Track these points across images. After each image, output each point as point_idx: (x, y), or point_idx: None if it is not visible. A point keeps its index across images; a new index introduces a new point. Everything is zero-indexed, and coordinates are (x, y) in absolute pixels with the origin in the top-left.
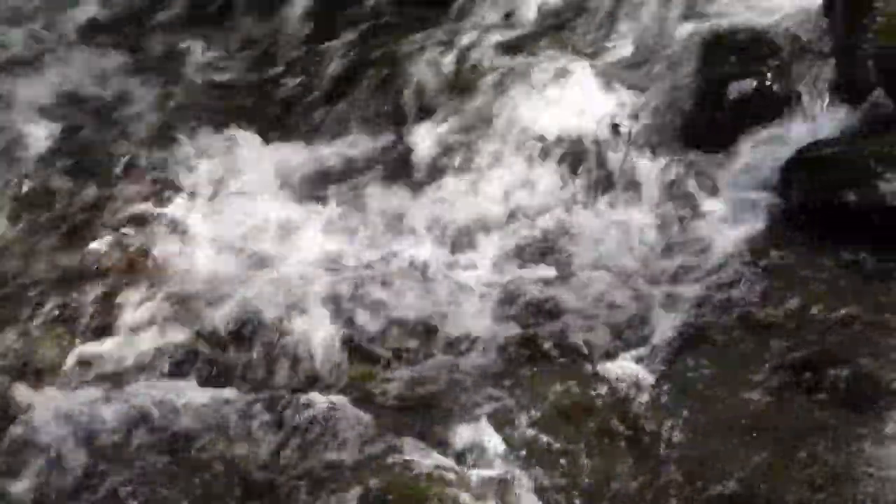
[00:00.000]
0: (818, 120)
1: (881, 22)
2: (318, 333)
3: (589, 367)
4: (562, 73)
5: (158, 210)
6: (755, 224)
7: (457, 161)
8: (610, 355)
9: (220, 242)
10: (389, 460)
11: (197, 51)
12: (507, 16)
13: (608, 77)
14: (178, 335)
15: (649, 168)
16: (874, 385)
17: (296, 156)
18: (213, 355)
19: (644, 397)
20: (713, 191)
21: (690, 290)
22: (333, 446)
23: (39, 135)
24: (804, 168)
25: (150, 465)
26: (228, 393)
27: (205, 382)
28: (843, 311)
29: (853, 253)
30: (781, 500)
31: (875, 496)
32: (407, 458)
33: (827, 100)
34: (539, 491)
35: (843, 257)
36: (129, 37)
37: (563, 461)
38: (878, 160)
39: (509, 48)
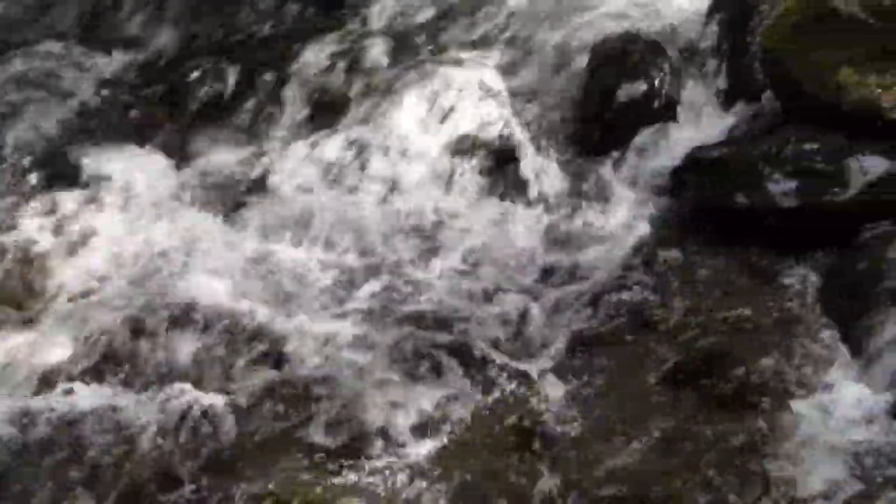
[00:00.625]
0: (708, 122)
1: (767, 24)
2: (209, 336)
3: (480, 368)
4: (454, 79)
5: (52, 221)
6: (647, 227)
7: (349, 166)
8: (501, 356)
9: (115, 252)
10: (284, 466)
11: (89, 60)
12: (398, 23)
13: (499, 81)
14: (69, 341)
15: (542, 172)
16: (764, 385)
17: (188, 166)
18: (106, 359)
19: (536, 398)
20: (605, 194)
21: (583, 292)
22: (227, 448)
23: None
24: (695, 171)
25: (46, 467)
26: (120, 394)
27: (96, 383)
28: (734, 312)
29: (744, 254)
30: (671, 499)
31: (763, 495)
32: (301, 462)
33: (716, 102)
34: (430, 494)
35: (734, 259)
36: (16, 45)
37: (453, 463)
38: (767, 162)
39: (400, 54)
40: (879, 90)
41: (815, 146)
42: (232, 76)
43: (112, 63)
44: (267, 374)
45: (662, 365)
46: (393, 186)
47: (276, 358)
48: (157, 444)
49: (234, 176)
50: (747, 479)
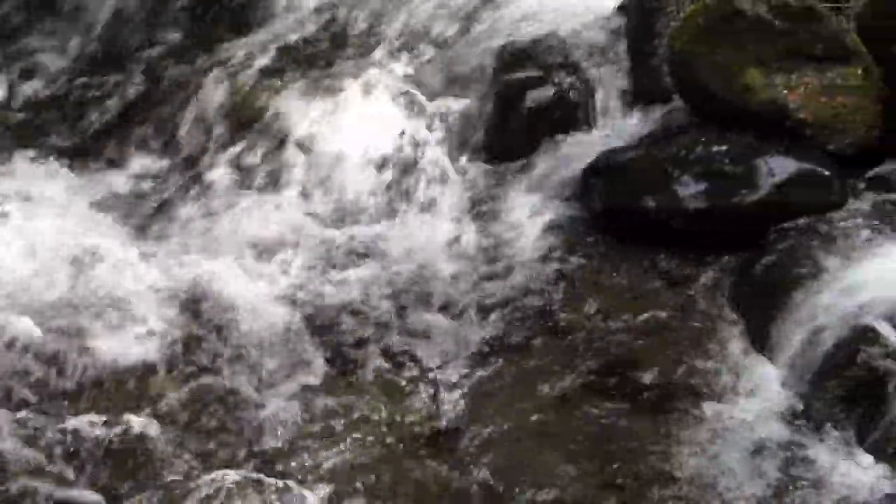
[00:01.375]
0: (616, 126)
1: (673, 27)
2: (110, 353)
3: (391, 377)
4: (363, 86)
5: None
6: (556, 231)
7: (258, 177)
8: (413, 363)
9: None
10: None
11: None
12: (305, 29)
13: (408, 88)
14: None
15: (451, 178)
16: (674, 387)
17: (89, 179)
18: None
19: (448, 404)
20: (513, 200)
21: (493, 298)
22: (128, 468)
23: None
24: (603, 175)
25: None
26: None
27: None
28: (644, 315)
29: (653, 257)
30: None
31: (675, 497)
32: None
33: (624, 105)
34: (341, 501)
35: (643, 262)
36: None
37: (364, 471)
38: (675, 164)
39: (309, 62)
40: (786, 91)
41: (724, 148)
42: (137, 89)
43: (13, 77)
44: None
45: (574, 369)
46: (301, 196)
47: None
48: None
49: (140, 191)
50: (660, 481)
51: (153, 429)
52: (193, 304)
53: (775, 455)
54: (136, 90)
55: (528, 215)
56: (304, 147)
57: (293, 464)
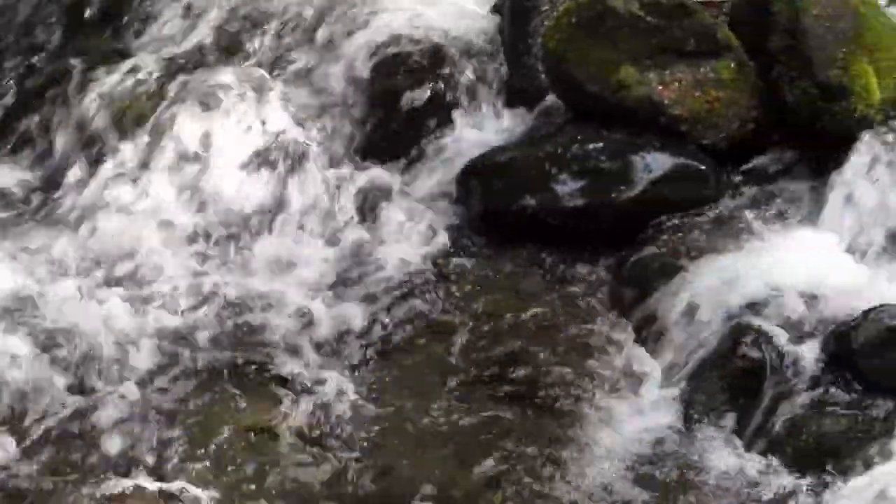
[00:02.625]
0: (493, 126)
1: (548, 25)
2: None
3: (275, 380)
4: (241, 94)
5: None
6: (436, 234)
7: (131, 187)
8: (294, 367)
9: None
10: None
11: None
12: (184, 36)
13: (284, 92)
14: None
15: (329, 184)
16: (557, 384)
17: None
18: None
19: (334, 409)
20: (393, 202)
21: (373, 302)
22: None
23: None
24: (481, 175)
25: None
26: None
27: None
28: (526, 314)
29: (534, 256)
30: (472, 502)
31: (559, 494)
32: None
33: (501, 105)
34: None
35: (524, 261)
36: None
37: (247, 476)
38: (552, 163)
39: (185, 69)
40: (660, 87)
41: (600, 145)
42: (7, 94)
43: None
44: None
45: (457, 369)
46: (178, 202)
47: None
48: None
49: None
50: (543, 479)
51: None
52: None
53: (657, 449)
54: (6, 96)
55: (408, 218)
56: (178, 155)
57: (171, 469)
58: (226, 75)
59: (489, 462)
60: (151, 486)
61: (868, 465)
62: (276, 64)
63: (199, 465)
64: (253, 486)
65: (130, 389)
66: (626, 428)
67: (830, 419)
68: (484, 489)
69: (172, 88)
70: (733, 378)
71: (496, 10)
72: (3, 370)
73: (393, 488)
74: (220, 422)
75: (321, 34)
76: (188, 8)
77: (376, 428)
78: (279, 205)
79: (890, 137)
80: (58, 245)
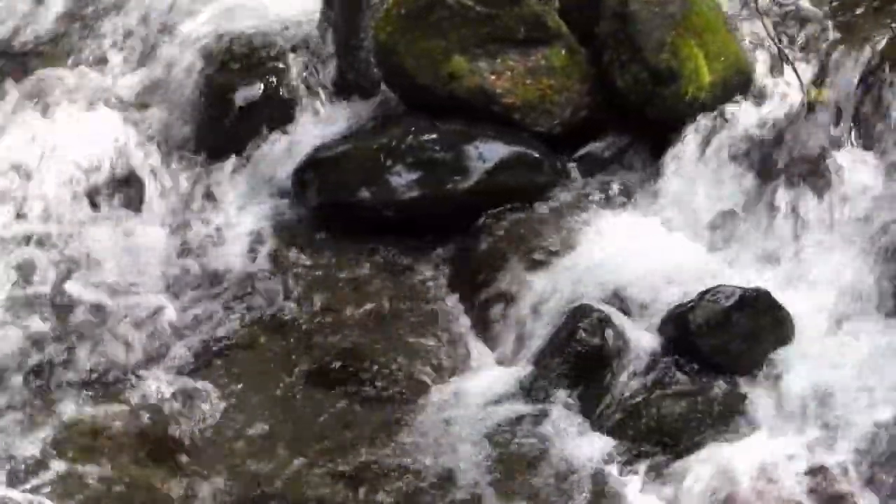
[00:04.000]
0: (328, 120)
1: (378, 18)
2: None
3: (118, 381)
4: (71, 93)
5: None
6: (274, 229)
7: None
8: (140, 370)
9: None
10: None
11: None
12: (13, 35)
13: (116, 89)
14: None
15: (164, 182)
16: (401, 375)
17: None
18: None
19: (174, 410)
20: (229, 199)
21: (213, 301)
22: None
23: None
24: (317, 169)
25: None
26: None
27: None
28: (366, 307)
29: (373, 249)
30: (318, 498)
31: (407, 483)
32: None
33: (335, 98)
34: None
35: (363, 254)
36: None
37: (93, 484)
38: (387, 155)
39: (13, 68)
40: (492, 76)
41: (434, 136)
42: None
43: None
44: None
45: (301, 365)
46: (10, 206)
47: None
48: None
49: None
50: (392, 469)
51: None
52: None
53: (502, 435)
54: None
55: (245, 215)
56: (8, 156)
57: (24, 478)
58: (57, 75)
59: (336, 456)
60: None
61: (708, 445)
62: (106, 59)
63: (33, 469)
64: (88, 491)
65: None
66: (472, 414)
67: (670, 400)
68: (332, 484)
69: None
70: (575, 362)
71: (328, 4)
72: None
73: (241, 490)
74: (56, 424)
75: (154, 32)
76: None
77: (219, 426)
78: (113, 202)
79: (720, 120)
80: None
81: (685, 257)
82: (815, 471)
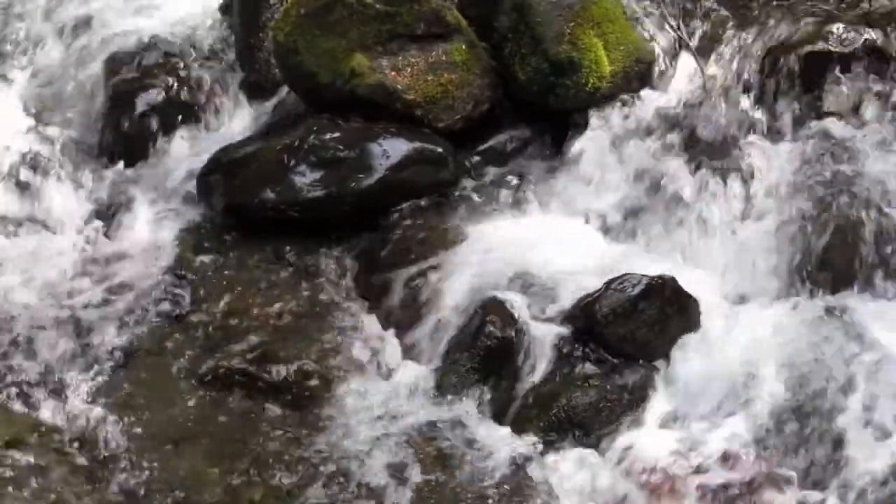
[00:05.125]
0: (232, 122)
1: (277, 18)
2: None
3: (24, 391)
4: None
5: None
6: (181, 233)
7: None
8: (51, 378)
9: None
10: None
11: None
12: None
13: (21, 101)
14: None
15: (69, 189)
16: (310, 375)
17: None
18: None
19: (81, 415)
20: (135, 204)
21: (120, 306)
22: None
23: None
24: (222, 171)
25: None
26: None
27: None
28: (274, 308)
29: (280, 250)
30: (222, 499)
31: (317, 481)
32: None
33: (238, 101)
34: None
35: (270, 256)
36: None
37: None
38: (291, 155)
39: None
40: (394, 73)
41: (337, 135)
42: None
43: None
44: None
45: (210, 368)
46: None
47: None
48: None
49: None
50: (302, 470)
51: None
52: None
53: (412, 433)
54: None
55: (151, 219)
56: None
57: None
58: None
59: (246, 459)
60: None
61: (619, 434)
62: (10, 72)
63: None
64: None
65: None
66: (380, 412)
67: (580, 391)
68: (241, 486)
69: None
70: (484, 356)
71: (227, 5)
72: None
73: (151, 496)
74: None
75: (57, 40)
76: None
77: (127, 432)
78: (17, 207)
79: (622, 109)
80: None
81: (592, 247)
82: (724, 454)
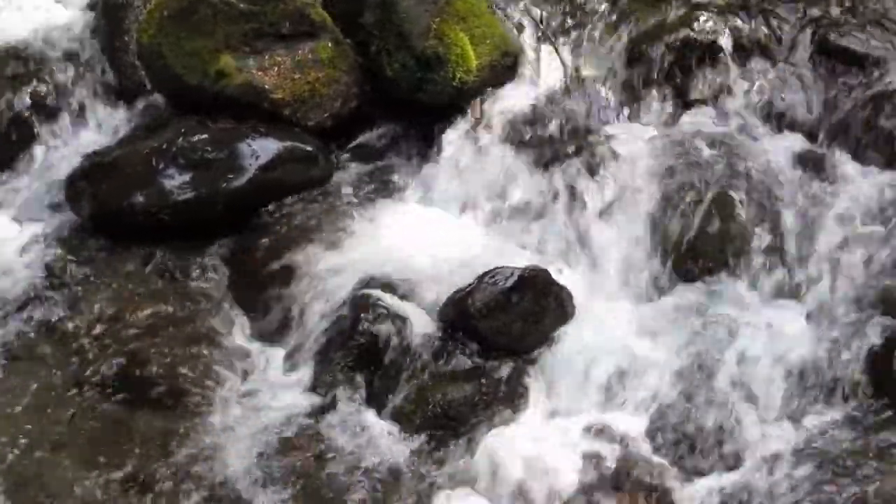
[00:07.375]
0: (99, 126)
1: (141, 20)
2: None
3: None
4: None
5: None
6: (48, 241)
7: None
8: None
9: None
10: None
11: None
12: None
13: None
14: None
15: None
16: (183, 380)
17: None
18: None
19: None
20: (3, 213)
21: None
22: None
23: None
24: (89, 177)
25: None
26: None
27: None
28: (146, 313)
29: (151, 254)
30: None
31: (197, 487)
32: None
33: (105, 105)
34: None
35: (140, 261)
36: None
37: None
38: (159, 158)
39: None
40: (261, 73)
41: (205, 136)
42: None
43: None
44: None
45: (83, 375)
46: None
47: None
48: None
49: None
50: (180, 474)
51: None
52: None
53: (287, 435)
54: None
55: (20, 227)
56: None
57: None
58: None
59: (125, 464)
60: None
61: (494, 427)
62: None
63: None
64: None
65: None
66: (258, 415)
67: (454, 385)
68: (123, 493)
69: None
70: (358, 353)
71: (91, 8)
72: None
73: (16, 498)
74: None
75: None
76: None
77: (3, 441)
78: None
79: (490, 103)
80: None
81: (464, 241)
82: (600, 444)
